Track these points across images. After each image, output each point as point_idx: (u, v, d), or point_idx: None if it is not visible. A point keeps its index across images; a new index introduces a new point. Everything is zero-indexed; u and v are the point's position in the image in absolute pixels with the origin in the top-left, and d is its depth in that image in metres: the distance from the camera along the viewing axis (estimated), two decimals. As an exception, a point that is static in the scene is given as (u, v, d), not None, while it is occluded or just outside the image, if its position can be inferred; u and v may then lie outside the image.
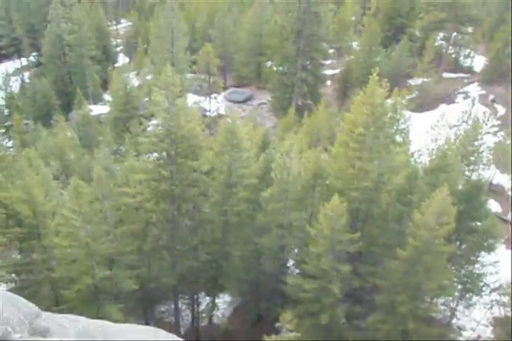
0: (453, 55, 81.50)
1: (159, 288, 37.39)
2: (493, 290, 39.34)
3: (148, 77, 78.31)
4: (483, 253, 37.95)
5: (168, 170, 32.66)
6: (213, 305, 40.57)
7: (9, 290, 19.07)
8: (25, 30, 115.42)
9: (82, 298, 32.32)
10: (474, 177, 38.44)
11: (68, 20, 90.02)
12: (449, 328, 39.90)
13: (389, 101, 35.68)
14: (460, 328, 41.73)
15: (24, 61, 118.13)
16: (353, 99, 34.06)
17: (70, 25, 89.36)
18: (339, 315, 32.61)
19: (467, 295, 39.07)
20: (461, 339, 41.12)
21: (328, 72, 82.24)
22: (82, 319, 13.33)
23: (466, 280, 38.13)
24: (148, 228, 34.70)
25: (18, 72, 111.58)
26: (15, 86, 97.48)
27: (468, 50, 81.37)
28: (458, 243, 36.99)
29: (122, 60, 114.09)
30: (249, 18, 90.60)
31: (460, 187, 36.90)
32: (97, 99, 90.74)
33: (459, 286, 38.22)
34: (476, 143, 39.20)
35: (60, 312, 15.15)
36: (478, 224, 37.20)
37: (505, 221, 51.95)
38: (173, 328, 36.49)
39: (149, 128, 41.21)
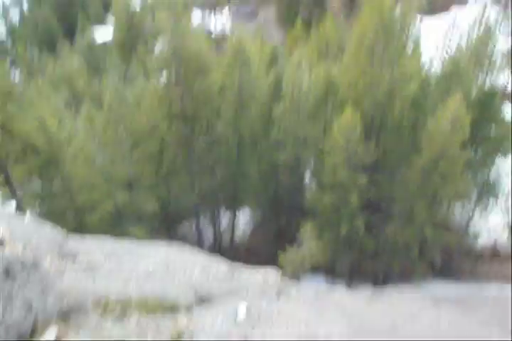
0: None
1: (180, 208, 37.88)
2: (509, 195, 39.59)
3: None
4: (498, 158, 37.95)
5: (178, 90, 32.40)
6: (234, 222, 41.16)
7: (35, 218, 19.40)
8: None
9: (106, 222, 32.76)
10: (488, 82, 37.82)
11: None
12: (466, 233, 40.41)
13: (398, 7, 34.71)
14: (476, 234, 42.28)
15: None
16: (361, 7, 33.21)
17: None
18: (358, 225, 33.04)
19: (484, 201, 39.35)
20: (478, 243, 41.73)
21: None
22: (109, 240, 13.63)
23: (483, 185, 38.31)
24: (163, 150, 34.79)
25: (17, 1, 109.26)
26: (15, 17, 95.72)
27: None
28: (473, 149, 36.92)
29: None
30: None
31: (474, 92, 36.46)
32: (100, 21, 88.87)
33: (476, 192, 38.45)
34: (488, 48, 38.29)
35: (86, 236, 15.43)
36: (493, 129, 37.01)
37: (519, 126, 51.56)
38: (197, 246, 37.11)
39: (156, 49, 40.60)
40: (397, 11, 32.62)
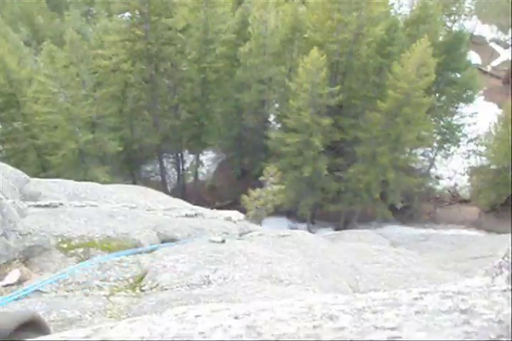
0: None
1: (143, 148, 37.74)
2: (471, 140, 40.18)
3: None
4: (462, 104, 38.36)
5: (142, 29, 31.80)
6: (198, 162, 41.20)
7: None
8: None
9: (68, 162, 32.57)
10: (455, 28, 37.82)
11: None
12: (427, 177, 41.13)
13: None
14: (438, 177, 43.04)
15: None
16: None
17: None
18: (321, 167, 33.35)
19: (445, 146, 39.99)
20: (438, 187, 42.54)
21: None
22: (71, 182, 13.52)
23: (445, 131, 38.83)
24: (127, 89, 34.36)
25: None
26: None
27: None
28: (437, 95, 37.21)
29: None
30: None
31: (441, 38, 36.46)
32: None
33: (438, 137, 39.01)
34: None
35: (48, 177, 15.32)
36: (458, 75, 37.26)
37: (484, 72, 51.92)
38: (160, 186, 37.18)
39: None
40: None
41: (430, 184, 41.66)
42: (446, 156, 40.79)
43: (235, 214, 14.65)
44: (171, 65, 34.53)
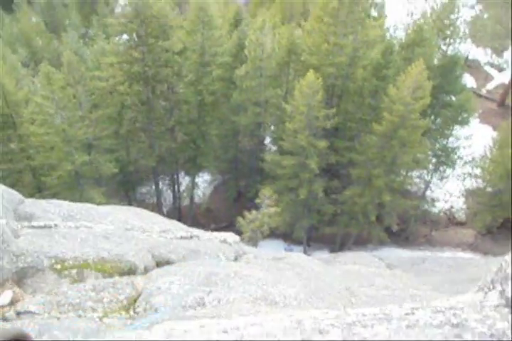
0: None
1: (139, 170, 37.77)
2: (466, 162, 40.24)
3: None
4: (457, 127, 38.46)
5: (139, 51, 31.98)
6: (193, 184, 41.18)
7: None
8: None
9: (64, 183, 32.51)
10: (450, 51, 38.08)
11: None
12: (423, 200, 41.11)
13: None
14: (434, 200, 43.03)
15: None
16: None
17: None
18: (317, 189, 33.37)
19: (441, 168, 40.00)
20: (434, 209, 42.52)
21: None
22: (66, 203, 13.46)
23: (441, 153, 38.90)
24: (123, 111, 34.43)
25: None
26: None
27: None
28: (433, 117, 37.34)
29: None
30: None
31: (436, 61, 36.69)
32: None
33: (434, 159, 39.04)
34: (452, 16, 38.44)
35: (43, 198, 15.28)
36: (453, 98, 37.43)
37: (479, 95, 52.22)
38: (156, 208, 37.13)
39: (117, 10, 39.88)
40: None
41: (426, 206, 41.64)
42: (441, 179, 40.81)
43: (230, 236, 14.57)
44: (167, 87, 34.68)
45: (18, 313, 6.61)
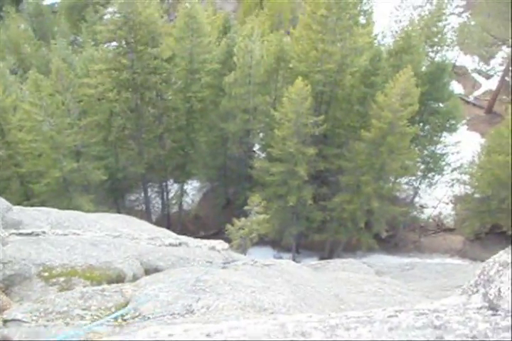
0: None
1: (128, 177, 37.63)
2: (455, 169, 40.38)
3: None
4: (445, 133, 38.62)
5: (128, 58, 31.96)
6: (182, 192, 41.12)
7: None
8: None
9: (52, 191, 32.38)
10: (438, 58, 38.31)
11: None
12: (412, 206, 41.23)
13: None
14: (422, 206, 43.17)
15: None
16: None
17: None
18: (306, 196, 33.38)
19: (429, 175, 40.14)
20: (423, 216, 42.65)
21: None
22: (54, 210, 13.42)
23: (429, 160, 39.04)
24: (112, 118, 34.39)
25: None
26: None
27: None
28: (421, 124, 37.47)
29: None
30: None
31: (424, 68, 36.88)
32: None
33: (422, 166, 39.16)
34: (440, 23, 38.72)
35: (31, 206, 15.24)
36: (441, 105, 37.60)
37: (467, 102, 52.52)
38: (145, 216, 37.03)
39: (106, 16, 39.88)
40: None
41: (415, 213, 41.75)
42: (430, 185, 40.94)
43: (219, 243, 14.55)
44: (156, 94, 34.67)
45: (5, 321, 6.56)
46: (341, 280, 15.74)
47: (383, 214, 35.51)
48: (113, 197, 39.40)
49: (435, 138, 38.71)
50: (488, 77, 57.10)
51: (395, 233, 40.63)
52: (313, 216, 35.57)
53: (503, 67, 52.89)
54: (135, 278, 9.46)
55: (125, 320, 7.50)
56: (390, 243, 40.11)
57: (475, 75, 57.67)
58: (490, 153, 35.75)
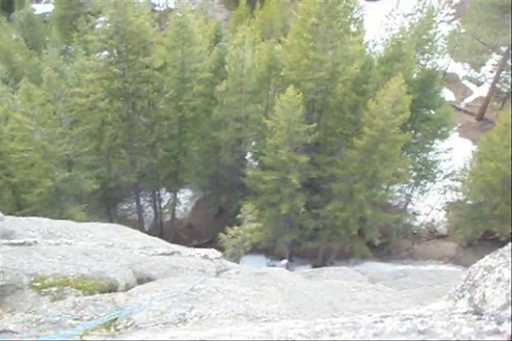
0: None
1: (120, 186, 37.57)
2: (447, 176, 40.49)
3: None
4: (437, 140, 38.73)
5: (119, 67, 31.98)
6: (175, 200, 41.06)
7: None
8: None
9: (44, 200, 32.26)
10: (429, 66, 38.46)
11: None
12: (404, 213, 41.26)
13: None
14: (415, 213, 43.23)
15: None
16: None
17: None
18: (298, 204, 33.37)
19: (422, 182, 40.19)
20: (416, 223, 42.69)
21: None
22: (46, 220, 13.39)
23: (421, 167, 39.13)
24: (104, 127, 34.34)
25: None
26: None
27: None
28: (413, 131, 37.56)
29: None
30: None
31: (415, 76, 37.02)
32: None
33: (414, 173, 39.24)
34: (430, 31, 38.91)
35: (23, 216, 15.19)
36: (433, 112, 37.71)
37: (458, 109, 52.73)
38: (137, 225, 36.96)
39: (98, 26, 39.94)
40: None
41: (407, 220, 41.78)
42: (422, 192, 41.00)
43: (212, 252, 14.53)
44: (148, 103, 34.66)
45: (-3, 332, 6.52)
46: (335, 288, 15.72)
47: (376, 221, 35.55)
48: (105, 206, 39.32)
49: (427, 145, 38.82)
50: (478, 84, 57.38)
51: (388, 240, 40.66)
52: (306, 224, 35.57)
53: (493, 74, 53.12)
54: (128, 287, 9.43)
55: (118, 330, 7.47)
56: (383, 250, 40.13)
57: (466, 82, 57.98)
58: (482, 160, 35.87)
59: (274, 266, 33.86)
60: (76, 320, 7.42)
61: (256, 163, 39.13)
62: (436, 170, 39.80)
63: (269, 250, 38.07)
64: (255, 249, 34.50)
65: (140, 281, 10.05)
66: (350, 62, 33.44)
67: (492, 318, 1.16)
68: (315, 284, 15.68)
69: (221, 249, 26.12)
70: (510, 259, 1.62)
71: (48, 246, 9.88)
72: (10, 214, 14.24)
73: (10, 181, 32.58)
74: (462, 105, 55.22)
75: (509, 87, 52.18)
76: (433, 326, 0.98)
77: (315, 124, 32.10)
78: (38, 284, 8.16)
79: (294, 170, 32.31)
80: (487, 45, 51.82)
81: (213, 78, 35.16)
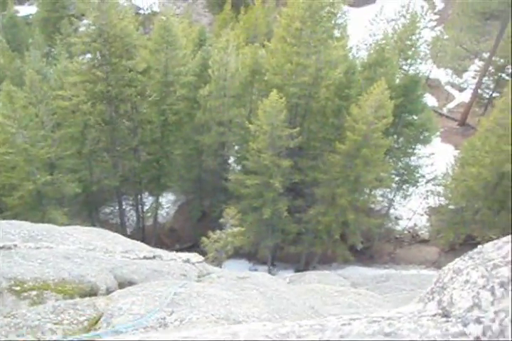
0: None
1: (102, 190, 37.34)
2: (429, 181, 40.70)
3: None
4: (419, 145, 38.93)
5: (103, 70, 31.88)
6: (157, 204, 40.89)
7: None
8: None
9: (26, 204, 32.03)
10: (411, 71, 38.71)
11: None
12: (387, 218, 41.41)
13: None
14: (397, 218, 43.41)
15: None
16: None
17: None
18: (281, 209, 33.38)
19: (404, 187, 40.36)
20: (398, 227, 42.87)
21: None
22: (27, 224, 13.28)
23: (403, 172, 39.30)
24: (86, 131, 34.13)
25: None
26: None
27: None
28: (395, 136, 37.75)
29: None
30: None
31: (397, 81, 37.21)
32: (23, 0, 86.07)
33: (397, 178, 39.39)
34: (413, 37, 39.19)
35: (4, 219, 15.07)
36: (415, 117, 37.92)
37: (441, 114, 53.10)
38: (119, 229, 36.78)
39: (81, 29, 39.80)
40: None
41: (390, 224, 41.96)
42: (404, 197, 41.17)
43: (194, 256, 14.50)
44: (131, 106, 34.56)
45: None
46: (317, 293, 15.75)
47: (358, 226, 35.64)
48: (87, 210, 39.09)
49: (409, 150, 39.01)
50: (461, 89, 57.83)
51: (371, 245, 40.78)
52: (289, 228, 35.58)
53: (475, 80, 53.56)
54: (108, 291, 9.38)
55: (98, 335, 7.42)
56: (365, 255, 40.24)
57: (448, 88, 58.39)
58: (463, 165, 36.12)
59: (256, 270, 33.91)
60: (56, 324, 7.37)
61: (239, 167, 39.11)
62: (418, 175, 40.00)
63: (251, 254, 38.04)
64: (238, 254, 34.47)
65: (121, 285, 9.99)
66: (334, 67, 33.56)
67: (458, 320, 1.17)
68: (297, 288, 15.70)
69: (203, 253, 26.04)
70: (478, 261, 1.65)
71: (28, 250, 9.81)
72: (-10, 218, 14.13)
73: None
74: (444, 110, 55.60)
75: (491, 92, 52.64)
76: (400, 328, 0.99)
77: (298, 129, 32.15)
78: (17, 288, 8.10)
79: (276, 175, 32.32)
80: (469, 52, 52.34)
81: (197, 82, 35.12)
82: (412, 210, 43.39)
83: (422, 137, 38.33)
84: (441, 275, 1.22)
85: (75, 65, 33.61)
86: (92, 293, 9.07)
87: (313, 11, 30.76)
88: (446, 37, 55.23)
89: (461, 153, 38.69)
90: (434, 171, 40.38)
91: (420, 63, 41.06)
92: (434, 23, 61.71)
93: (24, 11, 75.93)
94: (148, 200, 42.65)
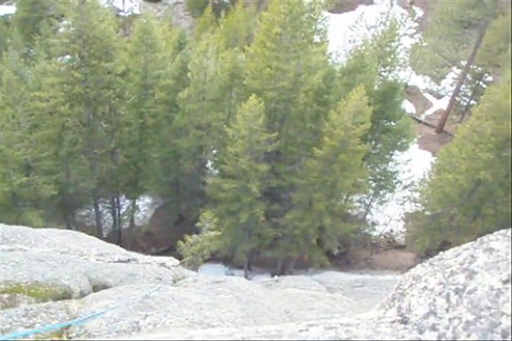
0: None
1: (79, 192, 37.07)
2: (406, 187, 40.95)
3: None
4: (396, 152, 39.16)
5: (81, 72, 31.70)
6: (134, 207, 40.71)
7: None
8: None
9: (1, 205, 31.74)
10: (390, 78, 38.97)
11: None
12: (363, 223, 41.57)
13: (307, 0, 35.20)
14: (374, 223, 43.63)
15: None
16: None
17: None
18: (258, 213, 33.40)
19: (381, 192, 40.56)
20: (374, 233, 43.07)
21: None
22: (1, 225, 13.15)
23: (380, 177, 39.49)
24: (64, 132, 33.88)
25: None
26: None
27: None
28: (373, 142, 37.95)
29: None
30: None
31: (376, 87, 37.43)
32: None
33: (374, 184, 39.58)
34: (392, 44, 39.45)
35: (-22, 220, 14.92)
36: (393, 123, 38.14)
37: (419, 121, 53.51)
38: (96, 232, 36.57)
39: (60, 30, 39.51)
40: (306, 3, 33.13)
41: (366, 230, 42.14)
42: (381, 202, 41.38)
43: (169, 259, 14.45)
44: (109, 108, 34.39)
45: None
46: (292, 297, 15.76)
47: (335, 231, 35.76)
48: (63, 212, 38.79)
49: (387, 156, 39.23)
50: (439, 97, 58.36)
51: (347, 250, 40.95)
52: (265, 233, 35.60)
53: (453, 88, 54.06)
54: (82, 294, 9.30)
55: (70, 338, 7.37)
56: (341, 260, 40.40)
57: (426, 95, 58.90)
58: (440, 172, 36.37)
59: (232, 274, 33.87)
60: (27, 327, 7.30)
61: (216, 171, 39.08)
62: (395, 181, 40.22)
63: (227, 258, 38.03)
64: (214, 258, 34.42)
65: (95, 289, 9.92)
66: (313, 72, 33.67)
67: (415, 327, 1.18)
68: (273, 293, 15.70)
69: (179, 257, 25.97)
70: (437, 268, 1.66)
71: (2, 252, 9.71)
72: (-36, 220, 13.98)
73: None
74: (422, 117, 56.03)
75: (468, 100, 53.18)
76: (356, 335, 0.99)
77: (276, 133, 32.21)
78: (-12, 291, 8.01)
79: (254, 179, 32.33)
80: (448, 59, 52.85)
81: (175, 85, 35.04)
82: (388, 216, 43.65)
83: (399, 143, 38.58)
84: (402, 281, 1.23)
85: (53, 66, 33.37)
86: (66, 296, 8.99)
87: (294, 16, 30.86)
88: (425, 44, 55.78)
89: (437, 160, 38.98)
90: (411, 177, 40.69)
91: (399, 70, 41.37)
92: (414, 31, 62.31)
93: (2, 10, 75.23)
94: (125, 203, 42.46)
